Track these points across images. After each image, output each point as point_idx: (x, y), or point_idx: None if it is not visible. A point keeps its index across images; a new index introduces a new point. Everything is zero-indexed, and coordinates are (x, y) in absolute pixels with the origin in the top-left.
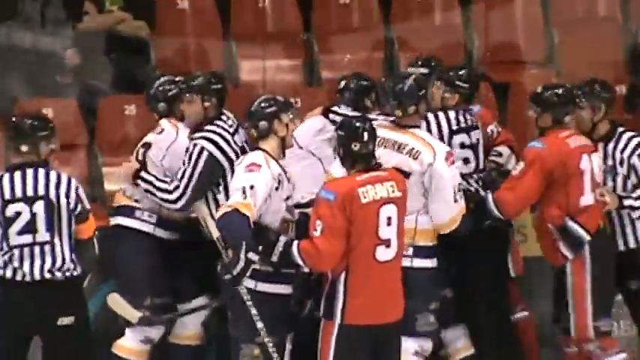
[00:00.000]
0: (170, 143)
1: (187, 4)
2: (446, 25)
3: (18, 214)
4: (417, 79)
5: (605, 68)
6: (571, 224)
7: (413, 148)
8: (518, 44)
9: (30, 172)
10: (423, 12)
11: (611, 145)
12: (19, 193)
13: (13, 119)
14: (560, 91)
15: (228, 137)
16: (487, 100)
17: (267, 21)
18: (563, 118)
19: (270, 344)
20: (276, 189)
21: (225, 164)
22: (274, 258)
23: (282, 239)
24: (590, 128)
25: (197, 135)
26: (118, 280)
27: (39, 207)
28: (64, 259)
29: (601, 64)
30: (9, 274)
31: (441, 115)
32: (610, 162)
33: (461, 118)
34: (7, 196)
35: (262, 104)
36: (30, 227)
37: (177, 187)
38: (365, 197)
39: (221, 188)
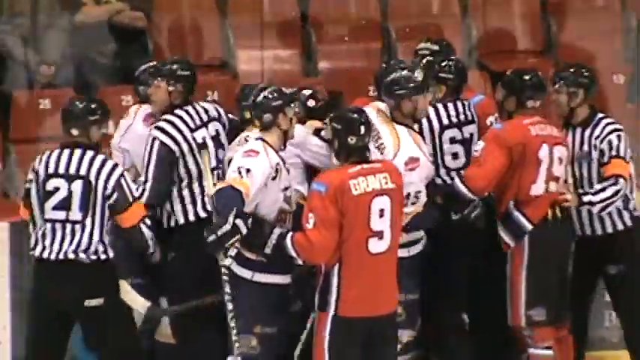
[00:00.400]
0: (127, 127)
1: None
2: (443, 15)
3: (56, 189)
4: (405, 76)
5: (603, 58)
6: (516, 213)
7: (382, 143)
8: (515, 33)
9: (78, 152)
10: (421, 1)
11: (587, 132)
12: (61, 170)
13: (67, 103)
14: (527, 76)
15: (179, 123)
16: (484, 90)
17: (265, 10)
18: (526, 102)
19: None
20: (273, 178)
21: (176, 149)
22: (268, 250)
23: (277, 231)
24: (567, 113)
25: (154, 125)
26: None
27: (77, 186)
28: (90, 242)
29: (599, 54)
30: (37, 252)
31: (430, 109)
32: (586, 148)
33: (452, 112)
34: (51, 170)
35: (269, 96)
36: (65, 204)
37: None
38: (356, 189)
39: (184, 184)
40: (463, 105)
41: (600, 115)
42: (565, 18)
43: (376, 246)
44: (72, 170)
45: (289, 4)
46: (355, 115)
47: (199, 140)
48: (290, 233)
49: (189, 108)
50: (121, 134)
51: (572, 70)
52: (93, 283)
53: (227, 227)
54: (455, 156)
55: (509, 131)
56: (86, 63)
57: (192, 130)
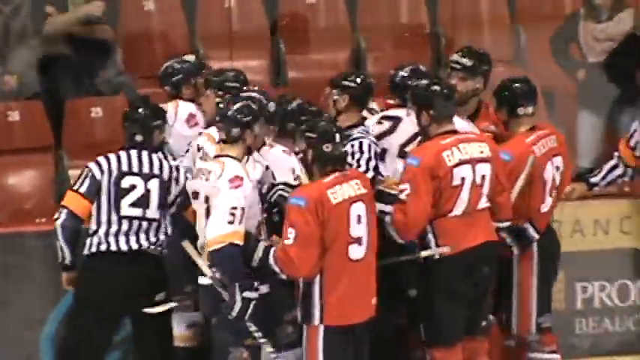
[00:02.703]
0: (171, 124)
1: (153, 5)
2: (412, 25)
3: (133, 187)
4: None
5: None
6: (526, 224)
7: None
8: (484, 43)
9: (145, 153)
10: (390, 11)
11: None
12: (135, 169)
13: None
14: (517, 84)
15: None
16: None
17: (233, 21)
18: (517, 110)
19: (266, 343)
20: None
21: None
22: (254, 263)
23: (261, 245)
24: None
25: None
26: None
27: (154, 184)
28: (165, 237)
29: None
30: (113, 246)
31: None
32: None
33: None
34: (124, 168)
35: (239, 111)
36: (143, 202)
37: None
38: (335, 198)
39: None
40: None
41: None
42: (534, 27)
43: (356, 252)
44: (145, 169)
45: (258, 15)
46: (328, 125)
47: None
48: (272, 248)
49: None
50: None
51: None
52: (161, 276)
53: (238, 305)
54: None
55: (516, 162)
56: (53, 74)
57: None
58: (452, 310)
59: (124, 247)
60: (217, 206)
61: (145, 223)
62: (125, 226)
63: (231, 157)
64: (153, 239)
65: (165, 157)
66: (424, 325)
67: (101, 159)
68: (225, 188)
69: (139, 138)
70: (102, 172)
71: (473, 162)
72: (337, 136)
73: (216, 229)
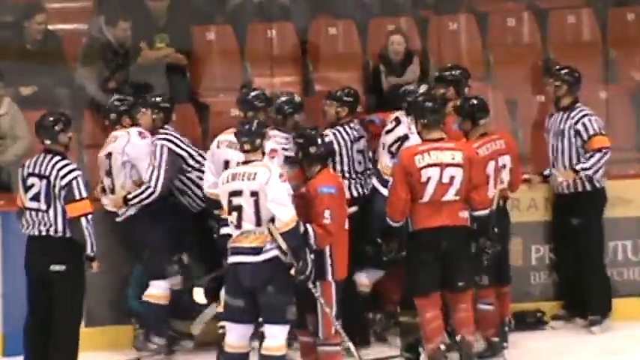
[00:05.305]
0: (125, 144)
1: (214, 36)
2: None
3: (32, 185)
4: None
5: (528, 82)
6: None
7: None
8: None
9: (48, 156)
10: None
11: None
12: (36, 170)
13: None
14: (475, 101)
15: (178, 135)
16: None
17: (274, 47)
18: (479, 122)
19: (320, 299)
20: None
21: (183, 153)
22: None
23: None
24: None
25: (155, 138)
26: None
27: (44, 183)
28: (56, 224)
29: (525, 79)
30: (26, 231)
31: (340, 129)
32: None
33: (349, 131)
34: (30, 170)
35: (259, 126)
36: (37, 197)
37: (149, 181)
38: (344, 186)
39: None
40: (352, 125)
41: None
42: (500, 52)
43: (347, 223)
44: (42, 171)
45: (292, 42)
46: (312, 131)
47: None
48: (309, 226)
49: (168, 128)
50: (122, 151)
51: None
52: (57, 253)
53: (310, 267)
54: (359, 163)
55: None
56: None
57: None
58: (423, 271)
59: (30, 232)
60: (277, 197)
61: (40, 214)
62: (28, 215)
63: (260, 160)
64: (50, 227)
65: (59, 161)
66: (407, 282)
67: (26, 161)
68: (278, 183)
69: (47, 142)
70: (21, 171)
71: (442, 166)
72: (320, 139)
73: (289, 212)
